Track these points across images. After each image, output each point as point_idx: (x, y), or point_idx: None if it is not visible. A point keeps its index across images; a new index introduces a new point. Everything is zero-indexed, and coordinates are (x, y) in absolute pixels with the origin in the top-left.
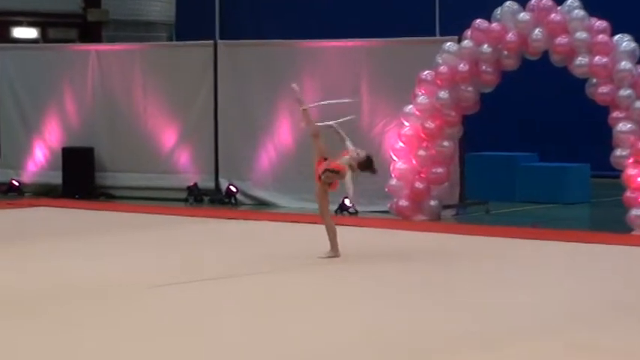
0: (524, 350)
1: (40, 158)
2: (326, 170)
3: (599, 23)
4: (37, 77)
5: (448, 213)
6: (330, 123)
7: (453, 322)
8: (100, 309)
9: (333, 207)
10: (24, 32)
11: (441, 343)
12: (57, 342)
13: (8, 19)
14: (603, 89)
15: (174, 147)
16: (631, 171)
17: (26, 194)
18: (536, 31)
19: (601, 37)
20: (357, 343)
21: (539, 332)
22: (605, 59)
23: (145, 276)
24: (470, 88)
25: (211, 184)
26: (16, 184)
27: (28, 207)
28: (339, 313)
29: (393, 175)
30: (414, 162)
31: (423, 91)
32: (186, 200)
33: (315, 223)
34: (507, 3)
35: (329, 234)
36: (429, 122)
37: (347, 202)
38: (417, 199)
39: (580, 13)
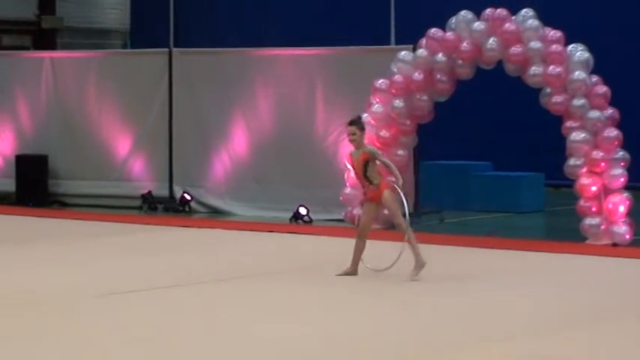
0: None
1: None
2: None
3: (553, 33)
4: None
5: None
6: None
7: (404, 331)
8: (49, 317)
9: (288, 215)
10: None
11: (390, 353)
12: (3, 352)
13: None
14: (557, 99)
15: (128, 155)
16: (584, 180)
17: None
18: (491, 40)
19: (555, 47)
20: (309, 353)
21: (493, 341)
22: (559, 69)
23: (96, 284)
24: (425, 97)
25: (165, 192)
26: None
27: None
28: (286, 323)
29: (347, 184)
30: None
31: (378, 100)
32: (140, 208)
33: (271, 231)
34: (462, 12)
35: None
36: (383, 131)
37: (301, 210)
38: None
39: (534, 22)
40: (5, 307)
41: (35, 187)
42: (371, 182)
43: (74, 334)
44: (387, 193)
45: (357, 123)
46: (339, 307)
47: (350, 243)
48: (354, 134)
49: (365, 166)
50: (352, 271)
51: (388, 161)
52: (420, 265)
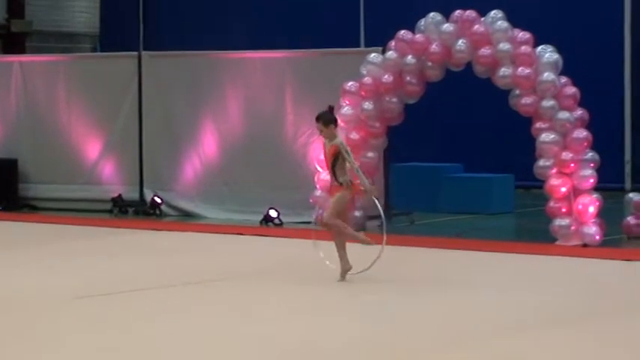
0: None
1: None
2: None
3: (522, 34)
4: None
5: (373, 224)
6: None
7: (377, 334)
8: (23, 320)
9: (258, 218)
10: None
11: (358, 356)
12: None
13: None
14: (526, 100)
15: (98, 158)
16: (554, 181)
17: None
18: (460, 42)
19: (524, 49)
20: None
21: (460, 343)
22: (528, 70)
23: (68, 287)
24: (394, 99)
25: (136, 196)
26: None
27: None
28: (256, 327)
29: (317, 186)
30: None
31: (348, 102)
32: (110, 212)
33: (241, 234)
34: (431, 14)
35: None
36: (353, 133)
37: (272, 213)
38: None
39: (503, 24)
40: None
41: (5, 190)
42: (336, 178)
43: (47, 337)
44: (343, 193)
45: (321, 118)
46: (316, 308)
47: (320, 245)
48: (320, 131)
49: (335, 160)
50: (347, 268)
51: (354, 162)
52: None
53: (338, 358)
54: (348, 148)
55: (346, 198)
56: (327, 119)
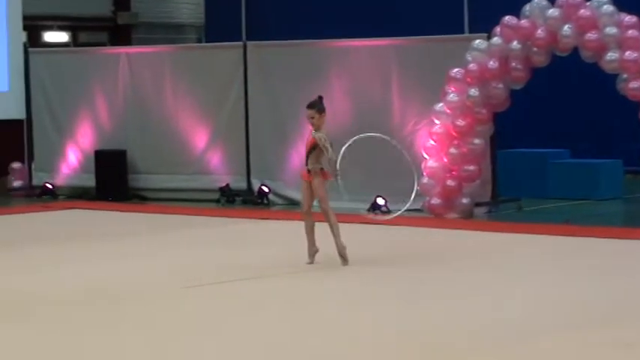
0: (544, 347)
1: (73, 161)
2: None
3: (629, 18)
4: (68, 81)
5: (480, 210)
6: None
7: (476, 319)
8: (134, 310)
9: (366, 206)
10: (55, 36)
11: (459, 341)
12: (90, 344)
13: (39, 24)
14: (634, 84)
15: (205, 148)
16: None
17: (60, 197)
18: (566, 27)
19: (631, 32)
20: (365, 343)
21: (562, 329)
22: (635, 54)
23: (179, 277)
24: (500, 85)
25: (243, 185)
26: (50, 187)
27: (61, 210)
28: (360, 312)
29: (424, 174)
30: (445, 160)
31: (453, 89)
32: (218, 201)
33: (351, 222)
34: None
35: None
36: (459, 120)
37: (379, 201)
38: (449, 197)
39: (609, 8)
40: (87, 301)
41: (114, 181)
42: (307, 164)
43: (155, 325)
44: (317, 180)
45: (314, 106)
46: (414, 296)
47: (428, 232)
48: (312, 117)
49: (312, 149)
50: (314, 251)
51: (333, 155)
52: (341, 249)
53: (419, 345)
54: (328, 143)
55: (324, 183)
56: (321, 107)
